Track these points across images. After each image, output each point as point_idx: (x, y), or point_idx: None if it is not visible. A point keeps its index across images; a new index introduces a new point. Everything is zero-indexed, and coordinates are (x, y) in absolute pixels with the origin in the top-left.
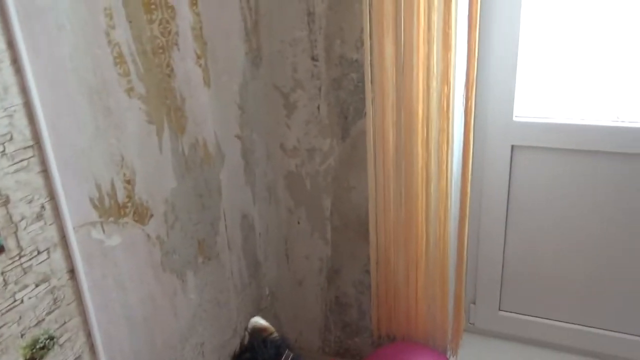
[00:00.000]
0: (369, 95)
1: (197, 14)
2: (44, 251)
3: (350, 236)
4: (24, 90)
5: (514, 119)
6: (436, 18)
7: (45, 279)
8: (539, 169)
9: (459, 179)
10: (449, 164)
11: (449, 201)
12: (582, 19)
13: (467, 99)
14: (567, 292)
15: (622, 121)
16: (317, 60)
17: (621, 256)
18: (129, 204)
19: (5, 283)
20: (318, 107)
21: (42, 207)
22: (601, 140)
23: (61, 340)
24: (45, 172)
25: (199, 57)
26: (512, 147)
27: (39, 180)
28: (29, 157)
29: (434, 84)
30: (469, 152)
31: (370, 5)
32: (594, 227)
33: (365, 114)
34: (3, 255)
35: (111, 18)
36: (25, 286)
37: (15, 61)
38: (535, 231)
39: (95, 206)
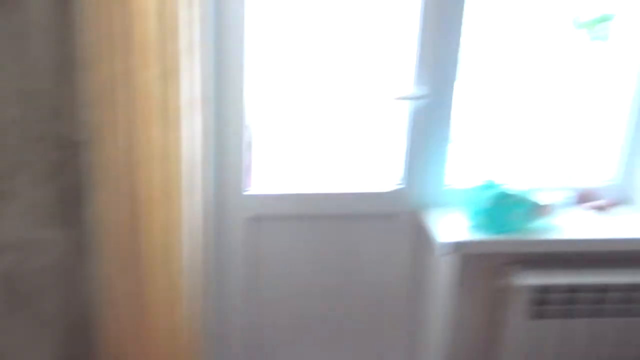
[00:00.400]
0: (96, 179)
1: None
2: None
3: (80, 337)
4: None
5: (245, 192)
6: (161, 98)
7: None
8: (274, 238)
9: (194, 257)
10: (181, 246)
11: (182, 282)
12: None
13: (198, 177)
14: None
15: (334, 188)
16: (39, 141)
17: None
18: None
19: None
20: (41, 194)
21: None
22: (319, 205)
23: None
24: None
25: None
26: (246, 219)
27: None
28: None
29: (163, 164)
30: (204, 229)
31: (94, 83)
32: (324, 282)
33: (93, 199)
34: None
35: None
36: None
37: None
38: (278, 296)
39: None
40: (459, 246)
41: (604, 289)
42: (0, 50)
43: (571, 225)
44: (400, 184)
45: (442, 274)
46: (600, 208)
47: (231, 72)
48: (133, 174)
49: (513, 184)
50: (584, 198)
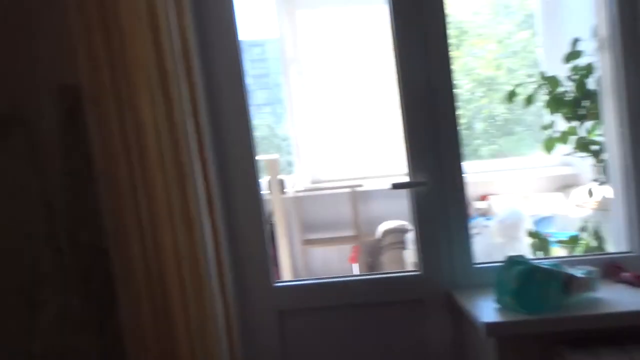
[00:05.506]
0: (122, 285)
1: None
2: None
3: None
4: None
5: (275, 285)
6: (177, 202)
7: None
8: (303, 330)
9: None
10: (216, 345)
11: None
12: None
13: (220, 275)
14: None
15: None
16: (63, 252)
17: None
18: None
19: None
20: (69, 303)
21: None
22: (346, 294)
23: None
24: None
25: None
26: (279, 312)
27: None
28: None
29: (190, 265)
30: (233, 327)
31: (114, 193)
32: None
33: (119, 305)
34: None
35: None
36: None
37: None
38: None
39: None
40: (495, 328)
41: None
42: (20, 167)
43: (612, 299)
44: (417, 270)
45: (483, 358)
46: (632, 281)
47: (242, 167)
48: (160, 277)
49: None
50: (610, 271)
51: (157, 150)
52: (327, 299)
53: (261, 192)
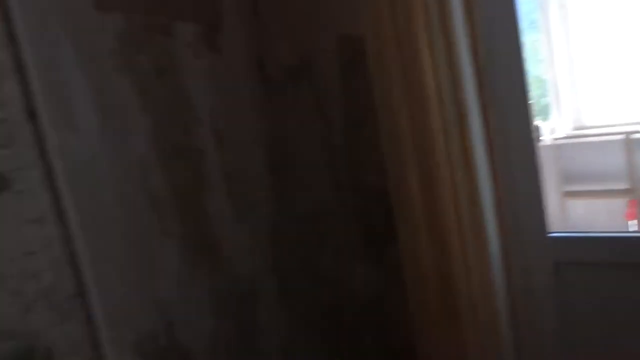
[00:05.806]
0: (399, 221)
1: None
2: None
3: None
4: (68, 241)
5: (549, 234)
6: (455, 143)
7: None
8: (585, 284)
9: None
10: (493, 289)
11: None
12: None
13: (499, 217)
14: None
15: None
16: (342, 188)
17: None
18: (170, 348)
19: None
20: (349, 235)
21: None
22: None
23: None
24: (90, 322)
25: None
26: (555, 263)
27: (83, 331)
28: (74, 308)
29: (464, 205)
30: (512, 269)
31: (388, 134)
32: None
33: (398, 239)
34: None
35: (145, 166)
36: None
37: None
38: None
39: (138, 353)
40: None
41: None
42: (307, 113)
43: None
44: None
45: None
46: None
47: (515, 109)
48: (438, 214)
49: None
50: None
51: (437, 96)
52: (612, 255)
53: (534, 136)
